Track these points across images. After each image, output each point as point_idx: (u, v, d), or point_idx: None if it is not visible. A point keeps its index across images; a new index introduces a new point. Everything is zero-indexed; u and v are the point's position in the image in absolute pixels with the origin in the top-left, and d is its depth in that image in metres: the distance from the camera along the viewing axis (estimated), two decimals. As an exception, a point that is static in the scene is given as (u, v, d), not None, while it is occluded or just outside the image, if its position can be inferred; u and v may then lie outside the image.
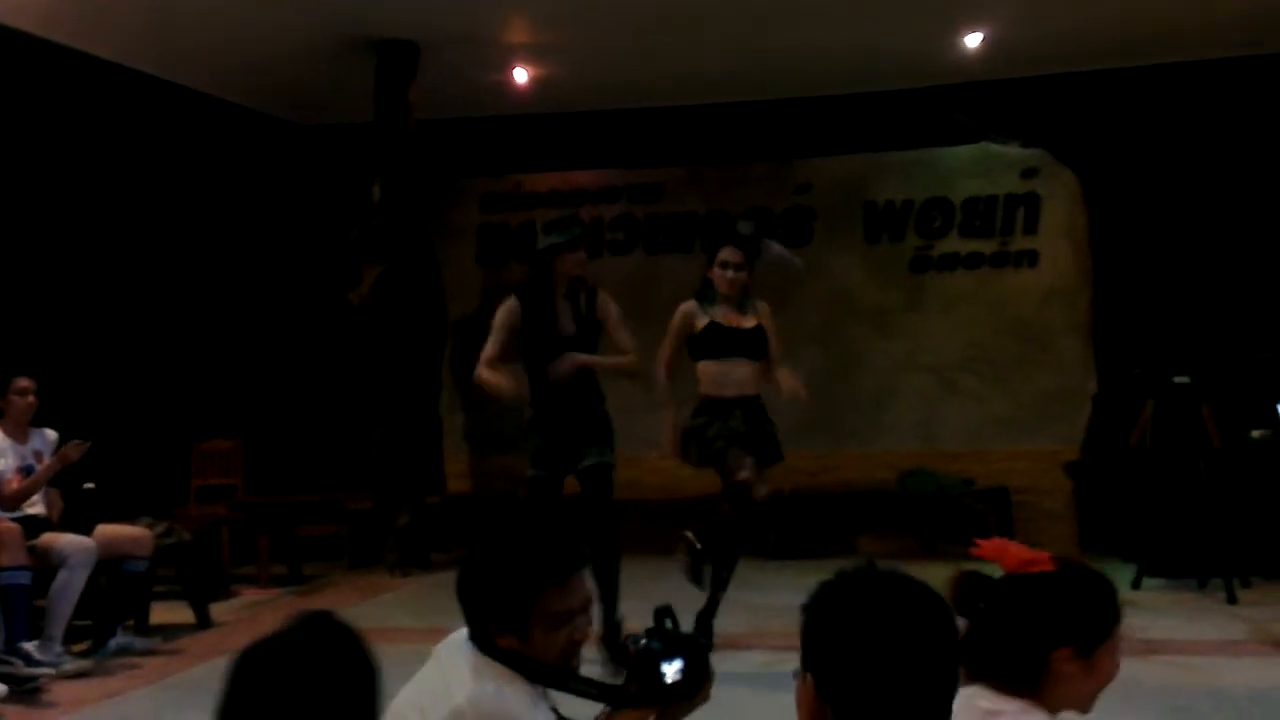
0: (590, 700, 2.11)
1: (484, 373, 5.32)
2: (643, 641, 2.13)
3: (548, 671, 2.05)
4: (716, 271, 5.53)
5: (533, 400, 5.41)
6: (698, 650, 2.11)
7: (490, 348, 5.33)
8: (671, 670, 2.09)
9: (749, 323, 5.53)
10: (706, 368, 5.51)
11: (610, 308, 5.39)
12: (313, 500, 8.32)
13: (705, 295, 5.59)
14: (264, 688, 1.44)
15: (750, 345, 5.51)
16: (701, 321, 5.53)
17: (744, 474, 5.26)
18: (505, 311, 5.36)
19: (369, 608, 6.66)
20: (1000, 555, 1.90)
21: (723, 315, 5.51)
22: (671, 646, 2.11)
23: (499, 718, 1.99)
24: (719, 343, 5.48)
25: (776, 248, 6.03)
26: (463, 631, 2.15)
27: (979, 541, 1.94)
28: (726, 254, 5.53)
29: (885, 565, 1.53)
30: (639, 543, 8.78)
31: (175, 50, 7.67)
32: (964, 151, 8.83)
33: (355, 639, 1.53)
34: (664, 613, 2.20)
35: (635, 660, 2.10)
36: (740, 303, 5.56)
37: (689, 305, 5.62)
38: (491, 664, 2.05)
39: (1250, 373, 7.58)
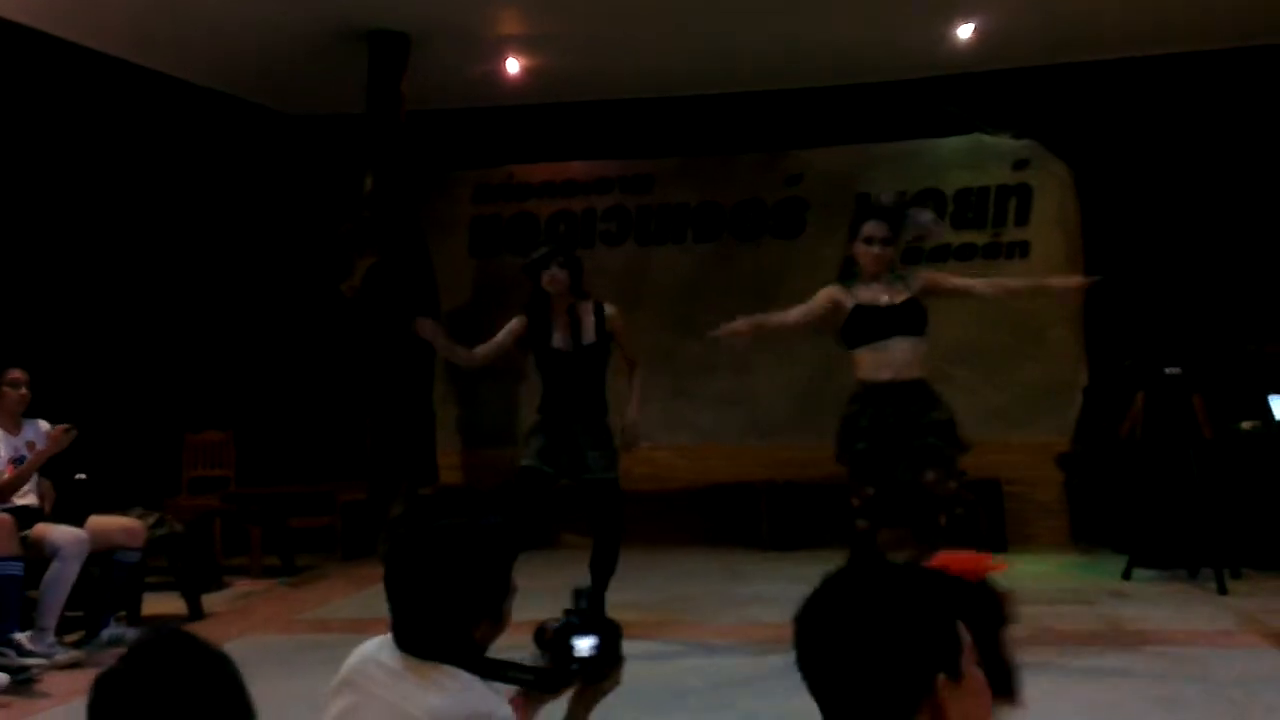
0: (528, 688, 2.07)
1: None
2: (560, 620, 2.13)
3: (490, 664, 1.98)
4: (861, 247, 5.16)
5: (540, 407, 5.65)
6: (611, 631, 2.12)
7: (489, 343, 5.65)
8: (583, 646, 2.08)
9: (900, 297, 5.12)
10: (862, 356, 5.12)
11: (617, 321, 5.66)
12: (305, 491, 8.31)
13: (848, 274, 5.24)
14: (125, 707, 1.44)
15: (905, 321, 5.09)
16: (848, 304, 5.15)
17: (855, 500, 5.04)
18: (513, 324, 5.64)
19: (361, 599, 6.66)
20: (953, 564, 1.79)
21: (869, 295, 5.13)
22: (586, 625, 2.12)
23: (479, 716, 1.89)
24: (871, 325, 5.09)
25: (924, 216, 5.48)
26: (365, 649, 1.99)
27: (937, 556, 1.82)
28: (870, 228, 5.15)
29: (892, 560, 1.52)
30: (630, 534, 8.81)
31: (166, 41, 7.64)
32: (955, 143, 8.84)
33: (210, 651, 1.51)
34: (581, 594, 2.22)
35: (553, 638, 2.10)
36: (890, 279, 5.16)
37: (833, 289, 5.23)
38: (436, 666, 1.91)
39: (1241, 364, 7.61)
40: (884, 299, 5.10)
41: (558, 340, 5.54)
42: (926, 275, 5.33)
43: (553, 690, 2.10)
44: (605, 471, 5.54)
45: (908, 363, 5.05)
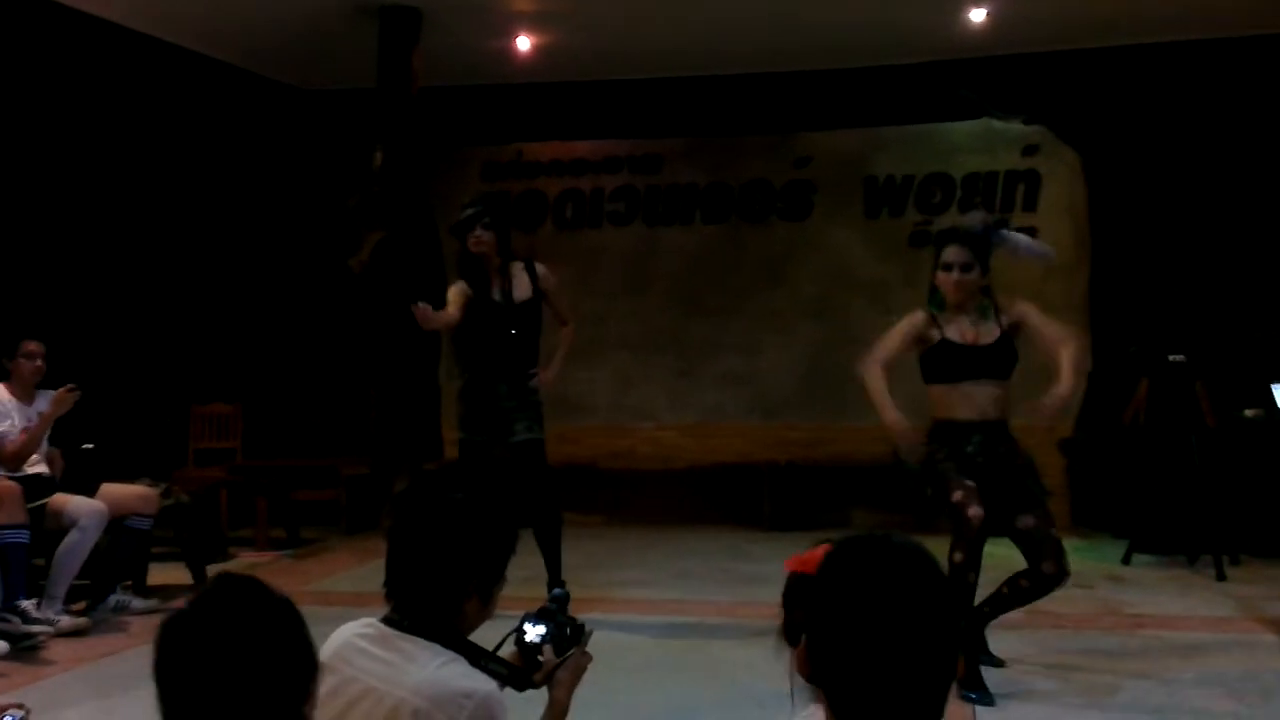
0: (502, 682, 2.06)
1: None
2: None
3: (472, 649, 2.00)
4: (940, 275, 4.67)
5: (468, 365, 5.64)
6: (574, 629, 2.16)
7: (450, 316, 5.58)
8: (532, 631, 2.13)
9: (989, 336, 4.61)
10: (938, 391, 4.67)
11: (550, 279, 5.68)
12: (311, 465, 8.37)
13: (934, 301, 4.76)
14: (193, 656, 1.46)
15: (993, 364, 4.59)
16: (934, 336, 4.66)
17: (957, 494, 4.40)
18: (454, 294, 5.58)
19: (365, 572, 6.70)
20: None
21: (957, 329, 4.63)
22: (540, 615, 2.17)
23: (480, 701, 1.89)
24: (952, 364, 4.61)
25: (1018, 238, 4.99)
26: (344, 633, 2.01)
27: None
28: (950, 254, 4.66)
29: (899, 536, 1.48)
30: (633, 512, 8.89)
31: (178, 13, 7.64)
32: (966, 127, 8.83)
33: (275, 596, 1.54)
34: (555, 596, 2.27)
35: (519, 636, 2.17)
36: (980, 310, 4.66)
37: (918, 317, 4.71)
38: (420, 643, 1.94)
39: (1245, 351, 7.62)
40: (971, 336, 4.62)
41: (495, 294, 5.54)
42: (1021, 310, 4.72)
43: (520, 688, 2.13)
44: (529, 431, 5.51)
45: (991, 406, 4.58)
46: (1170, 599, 6.04)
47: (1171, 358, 6.85)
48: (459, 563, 1.98)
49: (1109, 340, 8.19)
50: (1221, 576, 6.40)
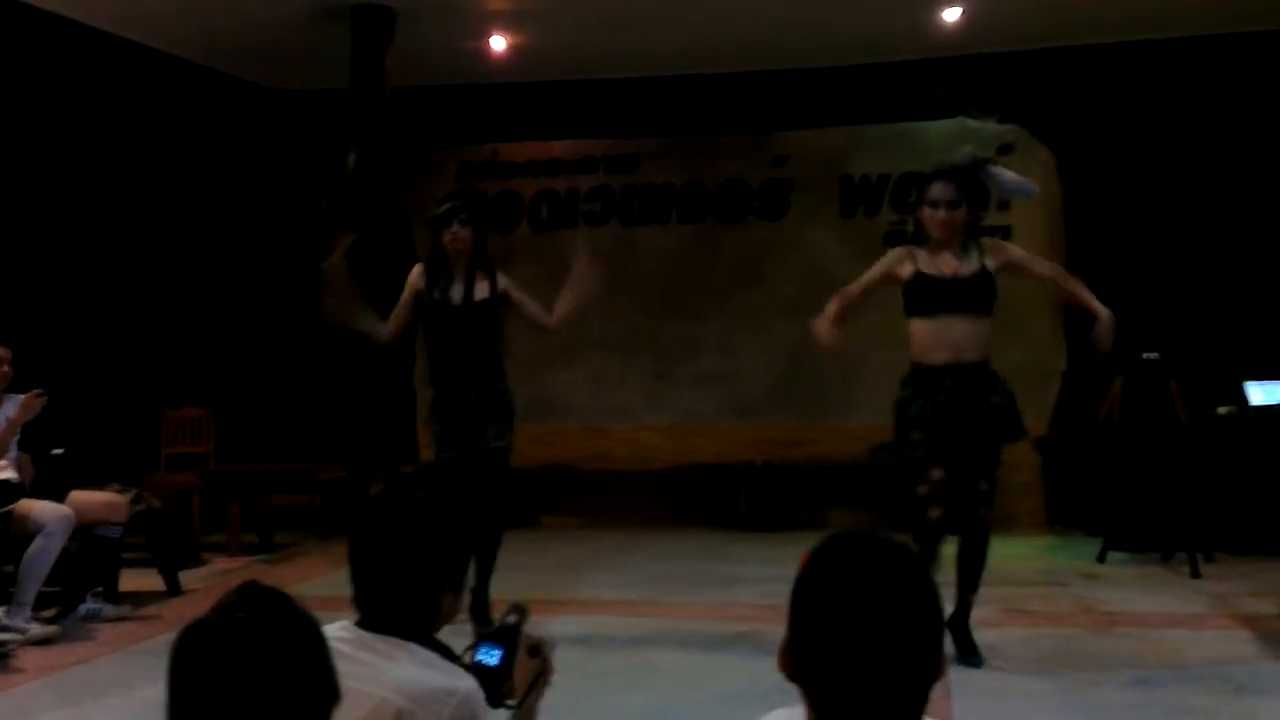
0: None
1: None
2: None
3: (447, 651, 1.99)
4: (926, 211, 4.68)
5: (432, 379, 5.39)
6: (513, 642, 2.07)
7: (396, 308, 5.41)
8: (487, 658, 2.04)
9: (969, 269, 4.61)
10: (916, 327, 4.68)
11: (514, 290, 5.36)
12: (284, 469, 8.30)
13: (920, 239, 4.82)
14: (212, 666, 1.39)
15: (970, 297, 4.59)
16: (907, 270, 4.67)
17: (922, 488, 4.55)
18: (412, 277, 5.38)
19: (340, 577, 6.58)
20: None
21: (935, 263, 4.64)
22: (494, 636, 2.09)
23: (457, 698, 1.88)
24: (927, 297, 4.62)
25: (1003, 175, 4.90)
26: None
27: None
28: (935, 190, 4.65)
29: (883, 534, 1.46)
30: (611, 514, 8.86)
31: (146, 14, 7.57)
32: (941, 126, 8.81)
33: (303, 614, 1.47)
34: (513, 609, 2.16)
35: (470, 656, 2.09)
36: (962, 246, 4.66)
37: (900, 250, 4.81)
38: (397, 643, 1.93)
39: (1218, 350, 7.66)
40: (949, 270, 4.61)
41: (452, 294, 5.25)
42: (1004, 247, 4.80)
43: (493, 704, 2.07)
44: (497, 439, 5.26)
45: (968, 344, 4.58)
46: (1145, 596, 6.06)
47: (1145, 355, 6.88)
48: (432, 560, 1.99)
49: (1083, 338, 8.20)
50: (1196, 573, 6.42)
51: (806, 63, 8.65)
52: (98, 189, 8.00)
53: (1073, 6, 7.62)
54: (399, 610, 1.97)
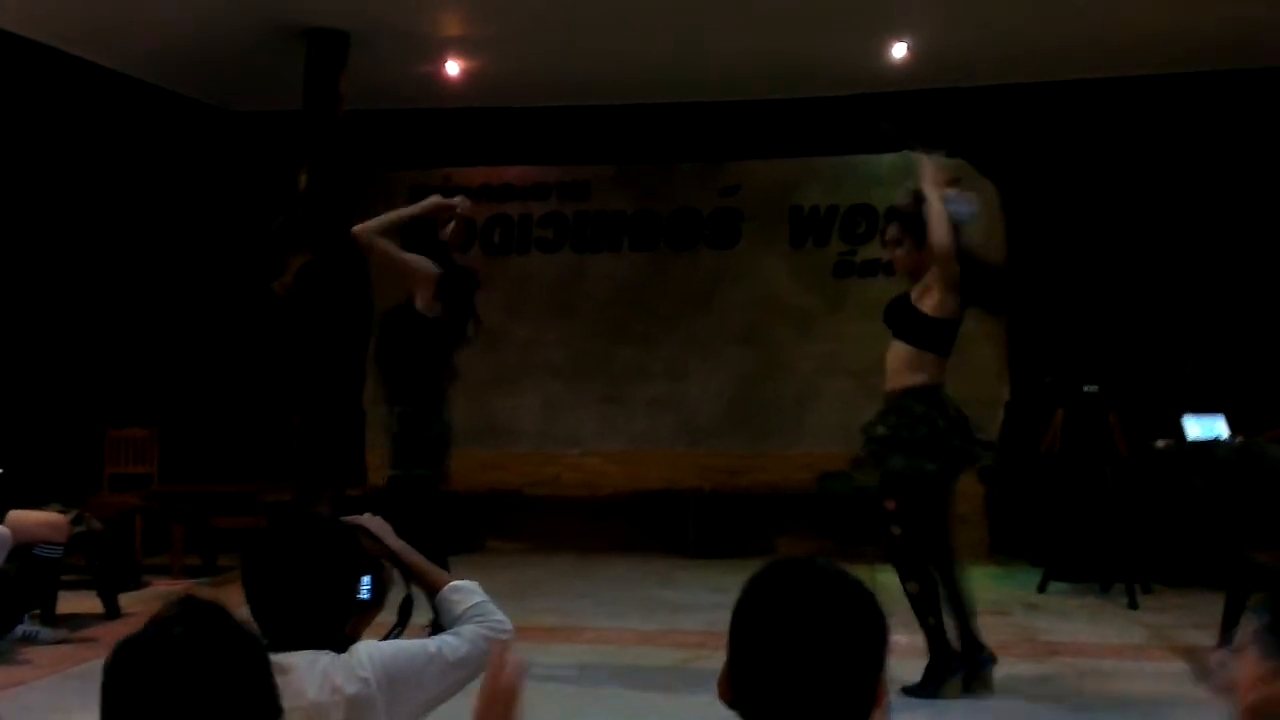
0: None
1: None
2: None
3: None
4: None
5: (406, 399, 5.15)
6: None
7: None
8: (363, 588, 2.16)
9: (903, 291, 4.89)
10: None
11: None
12: (230, 491, 8.19)
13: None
14: (148, 682, 1.34)
15: (891, 320, 4.87)
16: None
17: (889, 504, 4.76)
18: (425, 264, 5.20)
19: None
20: None
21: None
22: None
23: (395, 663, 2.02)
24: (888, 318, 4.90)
25: (957, 204, 5.13)
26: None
27: None
28: (888, 232, 5.09)
29: (823, 560, 1.47)
30: (559, 540, 8.84)
31: (100, 32, 7.51)
32: (888, 160, 8.95)
33: (242, 629, 1.44)
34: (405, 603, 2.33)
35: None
36: (921, 281, 4.87)
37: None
38: (297, 654, 2.00)
39: (1156, 384, 7.82)
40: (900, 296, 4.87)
41: (429, 308, 5.12)
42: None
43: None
44: (448, 459, 5.18)
45: (894, 369, 4.78)
46: (1084, 626, 6.16)
47: (1086, 388, 7.01)
48: (325, 584, 2.04)
49: (1026, 371, 8.36)
50: (1134, 604, 6.53)
51: (758, 94, 8.75)
52: (44, 206, 7.89)
53: (1018, 44, 7.78)
54: (304, 638, 1.99)
